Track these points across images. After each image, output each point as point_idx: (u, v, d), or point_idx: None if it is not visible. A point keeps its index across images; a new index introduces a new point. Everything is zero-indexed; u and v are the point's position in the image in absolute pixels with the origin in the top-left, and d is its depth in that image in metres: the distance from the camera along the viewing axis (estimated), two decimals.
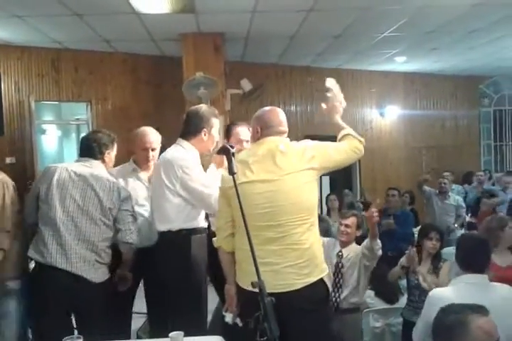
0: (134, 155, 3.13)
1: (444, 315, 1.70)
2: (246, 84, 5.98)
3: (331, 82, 2.56)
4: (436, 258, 3.36)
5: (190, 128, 2.72)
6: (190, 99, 5.29)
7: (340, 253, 3.35)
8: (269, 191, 2.14)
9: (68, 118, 7.70)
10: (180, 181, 2.56)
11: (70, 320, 2.61)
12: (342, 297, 3.26)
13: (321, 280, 2.20)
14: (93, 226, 2.58)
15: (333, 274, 3.27)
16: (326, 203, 6.04)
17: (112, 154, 2.80)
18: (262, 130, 2.31)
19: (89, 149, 2.74)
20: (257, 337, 1.53)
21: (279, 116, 2.36)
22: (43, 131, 7.61)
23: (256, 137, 2.34)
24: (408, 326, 3.37)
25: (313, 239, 2.20)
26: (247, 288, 2.09)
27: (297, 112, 7.77)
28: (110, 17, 4.78)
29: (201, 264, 2.63)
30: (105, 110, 6.25)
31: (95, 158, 2.72)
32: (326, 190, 7.14)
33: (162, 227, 2.65)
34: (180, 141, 2.73)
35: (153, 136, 3.06)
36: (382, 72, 8.23)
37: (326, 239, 3.41)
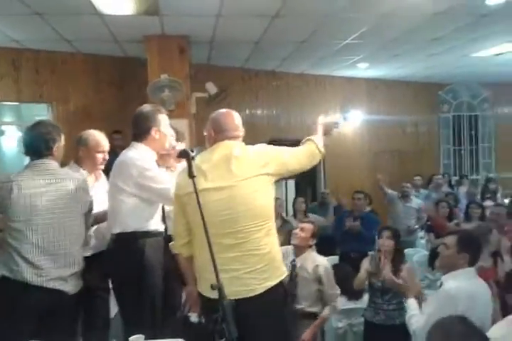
0: (75, 157, 3.04)
1: (458, 322, 1.77)
2: (211, 88, 5.97)
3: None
4: (396, 260, 3.39)
5: (139, 130, 2.69)
6: (154, 101, 5.24)
7: (293, 263, 3.33)
8: (225, 198, 2.12)
9: (29, 119, 7.49)
10: (135, 181, 2.51)
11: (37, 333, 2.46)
12: (299, 307, 3.25)
13: (280, 282, 2.21)
14: (68, 238, 2.47)
15: (288, 283, 3.16)
16: (293, 205, 6.10)
17: (60, 147, 2.59)
18: (216, 134, 2.27)
19: (35, 148, 2.52)
20: (216, 339, 1.54)
21: (235, 120, 2.32)
22: (2, 133, 7.41)
23: (210, 141, 2.31)
24: (369, 327, 3.46)
25: (272, 244, 2.21)
26: (208, 296, 2.11)
27: (263, 116, 7.82)
28: (72, 17, 4.69)
29: (156, 267, 2.59)
30: (67, 111, 6.12)
31: (44, 157, 2.51)
32: (291, 192, 7.23)
33: (116, 229, 2.60)
34: (134, 144, 2.69)
35: (106, 139, 3.05)
36: (345, 78, 8.39)
37: (282, 247, 3.36)
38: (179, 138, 3.10)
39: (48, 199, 2.43)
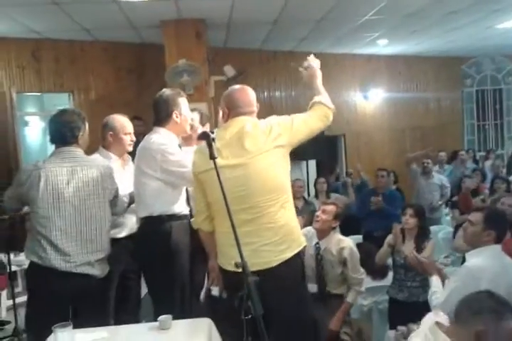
0: (103, 143, 3.08)
1: (487, 297, 1.78)
2: (229, 70, 5.96)
3: (310, 59, 2.54)
4: (420, 237, 3.38)
5: (160, 114, 2.73)
6: (173, 86, 5.26)
7: (317, 245, 3.30)
8: (239, 175, 2.15)
9: (51, 109, 7.63)
10: (160, 165, 2.56)
11: (68, 315, 2.55)
12: (327, 288, 3.26)
13: (298, 254, 2.23)
14: (95, 225, 2.53)
15: (315, 267, 3.24)
16: (315, 186, 6.10)
17: (85, 135, 2.65)
18: (230, 110, 2.29)
19: (61, 136, 2.58)
20: (242, 316, 1.58)
21: (249, 95, 2.32)
22: (26, 123, 7.55)
23: (225, 118, 2.32)
24: (394, 304, 3.48)
25: (287, 216, 2.23)
26: (229, 269, 2.16)
27: (281, 97, 7.78)
28: (88, 5, 4.72)
29: (183, 250, 2.65)
30: (88, 100, 6.21)
31: (69, 145, 2.57)
32: (313, 173, 7.21)
33: (142, 213, 2.66)
34: (156, 128, 2.73)
35: (129, 121, 3.10)
36: (365, 56, 8.25)
37: (305, 229, 3.38)
38: (203, 120, 3.13)
39: (75, 186, 2.50)
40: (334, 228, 3.38)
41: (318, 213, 3.35)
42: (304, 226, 3.55)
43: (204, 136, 1.91)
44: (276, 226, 2.17)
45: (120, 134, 3.02)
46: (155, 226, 2.61)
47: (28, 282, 2.63)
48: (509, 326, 1.69)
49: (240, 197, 2.14)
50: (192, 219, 2.46)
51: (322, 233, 3.32)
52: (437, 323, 1.88)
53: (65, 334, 1.99)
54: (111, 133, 3.02)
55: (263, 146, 2.18)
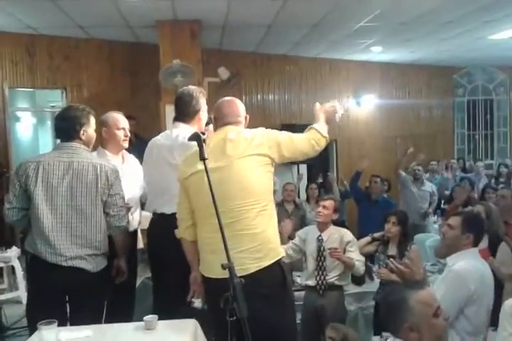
0: (100, 141, 3.06)
1: (386, 296, 1.90)
2: (223, 73, 5.98)
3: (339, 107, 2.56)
4: (402, 244, 3.46)
5: (188, 110, 2.76)
6: (166, 86, 5.27)
7: (320, 238, 3.45)
8: (217, 178, 2.11)
9: (43, 105, 7.60)
10: None
11: (65, 309, 2.56)
12: (328, 280, 3.35)
13: (277, 263, 2.21)
14: (85, 222, 2.52)
15: (316, 258, 3.37)
16: (306, 191, 6.12)
17: (89, 130, 2.65)
18: (217, 120, 2.36)
19: (63, 131, 2.61)
20: (227, 317, 1.58)
21: (235, 106, 2.38)
22: (18, 119, 7.50)
23: (213, 127, 2.40)
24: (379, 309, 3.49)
25: (265, 224, 2.21)
26: (210, 276, 2.17)
27: (275, 101, 7.80)
28: (84, 2, 4.71)
29: None
30: (80, 97, 6.17)
31: (72, 140, 2.59)
32: (304, 178, 7.21)
33: (171, 209, 2.61)
34: (179, 124, 2.77)
35: (124, 118, 3.09)
36: (359, 62, 8.30)
37: (303, 229, 3.59)
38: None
39: (69, 180, 2.50)
40: (333, 220, 3.57)
41: (319, 209, 3.52)
42: (292, 229, 3.71)
43: (195, 137, 1.91)
44: (252, 232, 2.15)
45: (113, 129, 3.01)
46: None
47: (27, 273, 2.63)
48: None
49: (218, 201, 2.06)
50: (176, 230, 2.44)
51: (324, 225, 3.50)
52: None
53: (50, 332, 1.98)
54: (104, 129, 3.02)
55: (243, 151, 2.20)
